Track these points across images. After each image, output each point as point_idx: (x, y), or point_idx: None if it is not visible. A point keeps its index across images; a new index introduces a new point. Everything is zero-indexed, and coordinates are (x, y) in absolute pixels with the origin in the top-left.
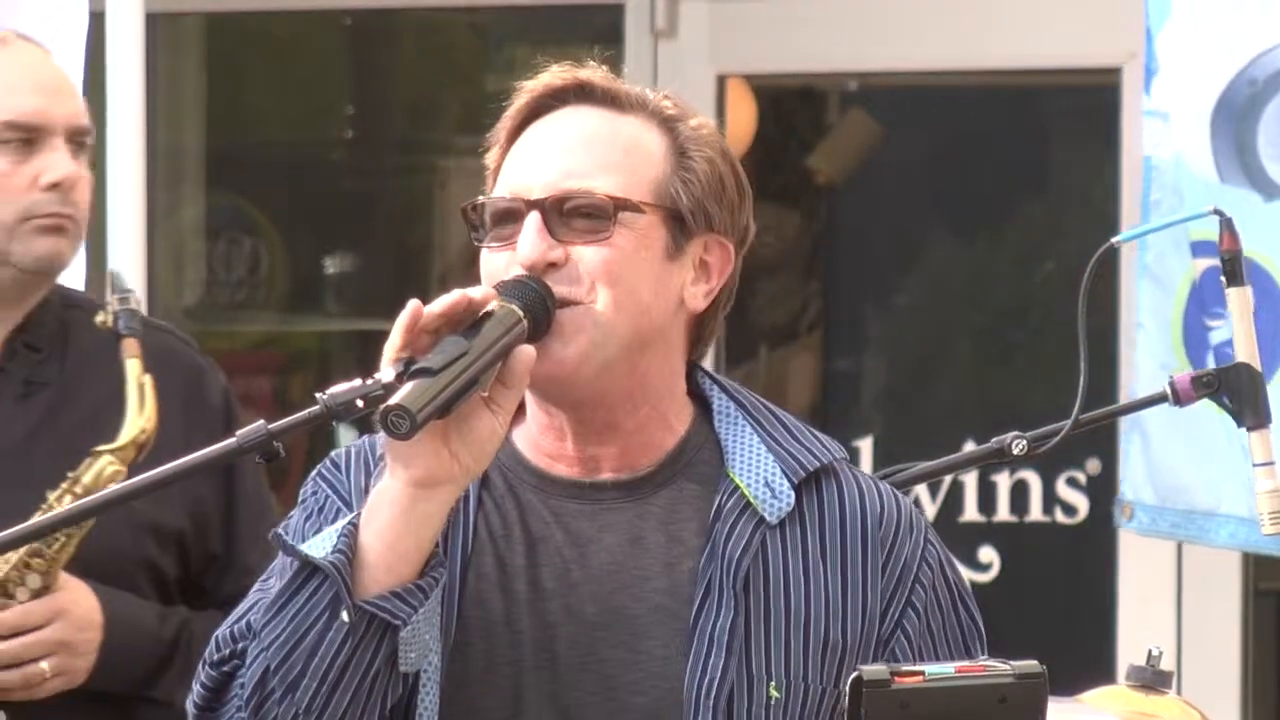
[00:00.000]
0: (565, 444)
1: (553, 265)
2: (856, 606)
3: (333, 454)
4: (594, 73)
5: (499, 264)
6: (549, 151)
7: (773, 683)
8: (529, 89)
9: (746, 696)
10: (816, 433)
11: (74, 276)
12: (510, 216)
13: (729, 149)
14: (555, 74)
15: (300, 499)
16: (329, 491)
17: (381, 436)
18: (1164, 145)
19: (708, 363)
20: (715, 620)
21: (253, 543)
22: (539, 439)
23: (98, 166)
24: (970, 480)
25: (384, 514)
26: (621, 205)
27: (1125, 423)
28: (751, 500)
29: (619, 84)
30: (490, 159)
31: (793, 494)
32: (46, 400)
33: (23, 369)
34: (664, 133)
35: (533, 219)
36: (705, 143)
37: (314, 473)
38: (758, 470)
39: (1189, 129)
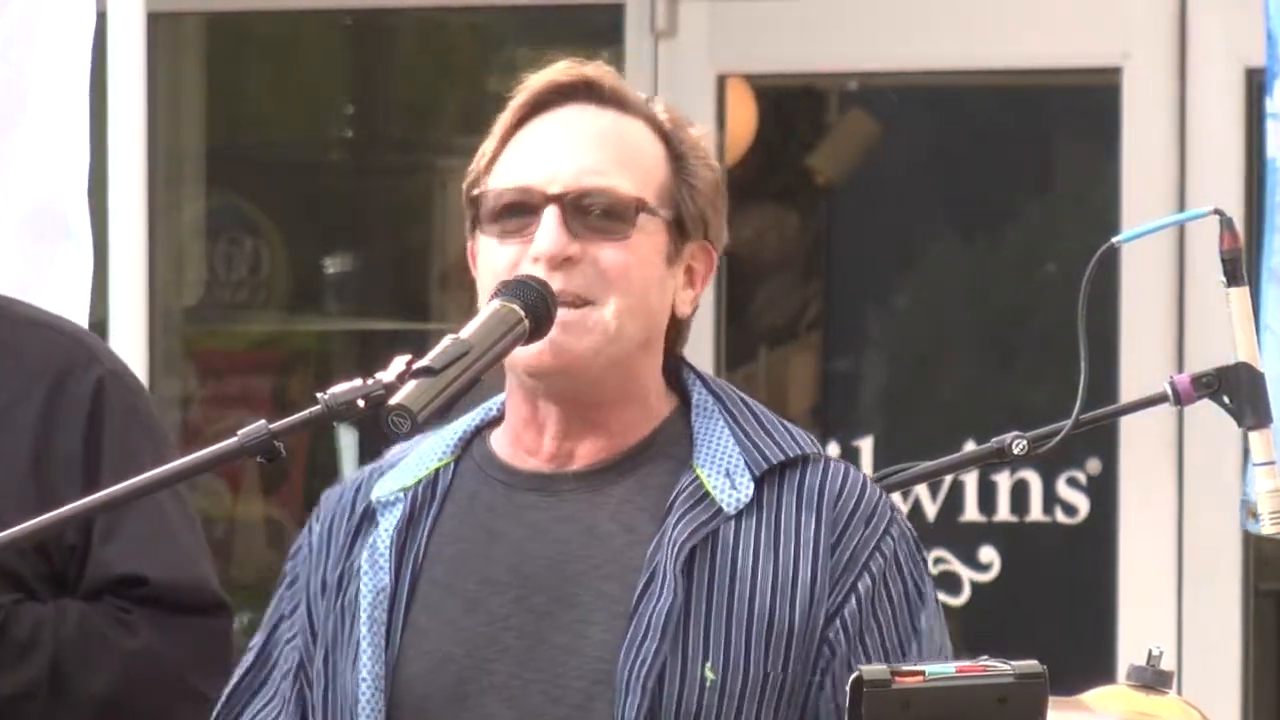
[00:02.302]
0: (543, 438)
1: (568, 261)
2: (803, 590)
3: (324, 495)
4: (602, 71)
5: (507, 257)
6: (562, 146)
7: (708, 664)
8: (535, 82)
9: (679, 678)
10: (791, 427)
11: (78, 277)
12: (520, 210)
13: (713, 155)
14: (562, 70)
15: (291, 551)
16: (298, 561)
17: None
18: None
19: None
20: (654, 604)
21: (107, 536)
22: (519, 433)
23: (99, 167)
24: (970, 480)
25: None
26: (641, 206)
27: None
28: (710, 490)
29: (625, 86)
30: (487, 147)
31: (752, 485)
32: None
33: None
34: (662, 140)
35: (552, 213)
36: (702, 153)
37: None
38: (721, 461)
39: None
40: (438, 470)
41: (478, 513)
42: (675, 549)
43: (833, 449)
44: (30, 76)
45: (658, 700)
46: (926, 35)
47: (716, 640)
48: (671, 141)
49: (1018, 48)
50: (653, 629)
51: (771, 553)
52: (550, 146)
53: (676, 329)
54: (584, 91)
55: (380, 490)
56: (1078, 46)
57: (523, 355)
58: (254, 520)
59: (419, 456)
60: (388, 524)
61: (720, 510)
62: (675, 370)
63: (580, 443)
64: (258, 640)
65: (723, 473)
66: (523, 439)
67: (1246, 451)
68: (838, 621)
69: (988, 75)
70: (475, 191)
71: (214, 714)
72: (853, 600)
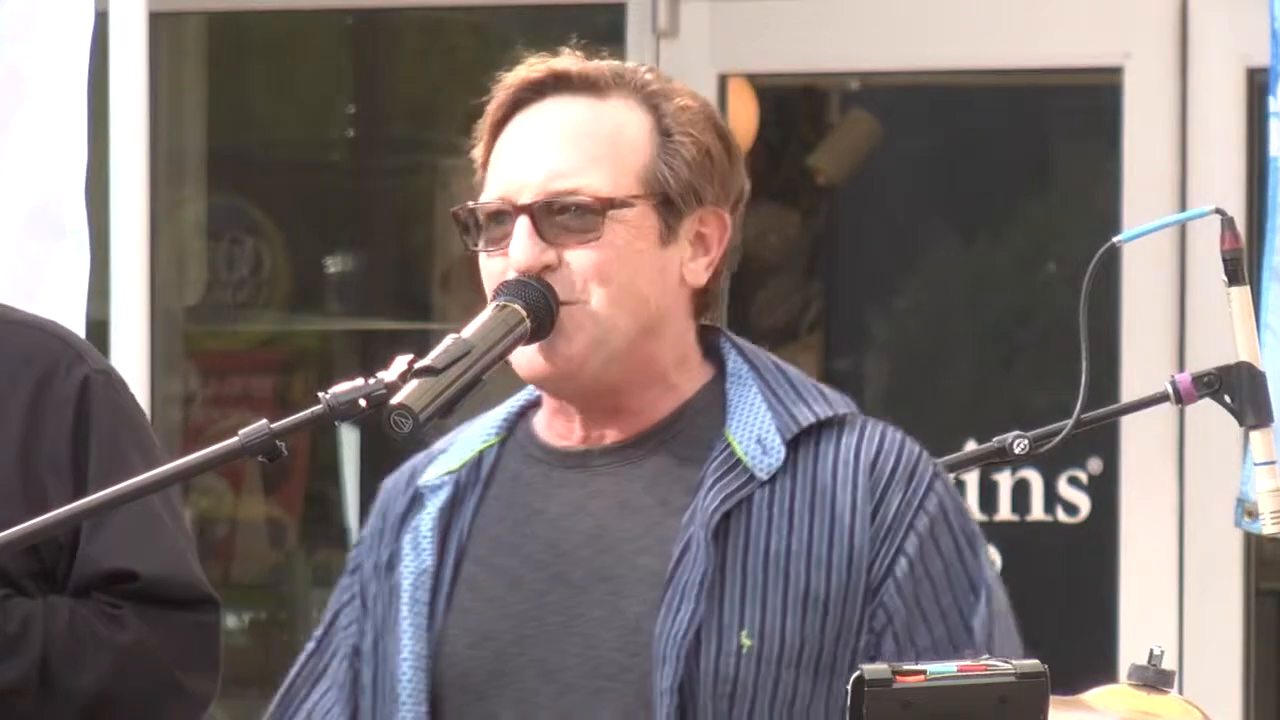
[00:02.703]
0: (573, 424)
1: (548, 268)
2: (841, 556)
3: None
4: (569, 61)
5: (496, 269)
6: (533, 150)
7: (744, 631)
8: (506, 84)
9: (714, 644)
10: (826, 390)
11: (75, 277)
12: (502, 219)
13: (715, 115)
14: (531, 66)
15: (355, 541)
16: (359, 549)
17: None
18: None
19: None
20: (688, 574)
21: (94, 532)
22: (550, 420)
23: (100, 166)
24: (972, 479)
25: None
26: (609, 204)
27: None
28: (742, 457)
29: (595, 67)
30: (476, 154)
31: (783, 449)
32: None
33: None
34: (647, 111)
35: (522, 224)
36: (689, 120)
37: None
38: (752, 428)
39: None
40: (482, 452)
41: (519, 492)
42: (707, 516)
43: None
44: (28, 74)
45: (694, 668)
46: (928, 35)
47: (752, 607)
48: (657, 114)
49: (1019, 47)
50: (687, 598)
51: (807, 516)
52: (522, 153)
53: (702, 298)
54: (554, 84)
55: (428, 476)
56: (1079, 46)
57: (521, 365)
58: (256, 520)
59: (466, 440)
60: (432, 507)
61: (753, 476)
62: (713, 340)
63: (608, 426)
64: (319, 630)
65: (754, 439)
66: (554, 424)
67: (1245, 450)
68: (890, 584)
69: (989, 75)
70: (468, 207)
71: (275, 703)
72: (902, 560)
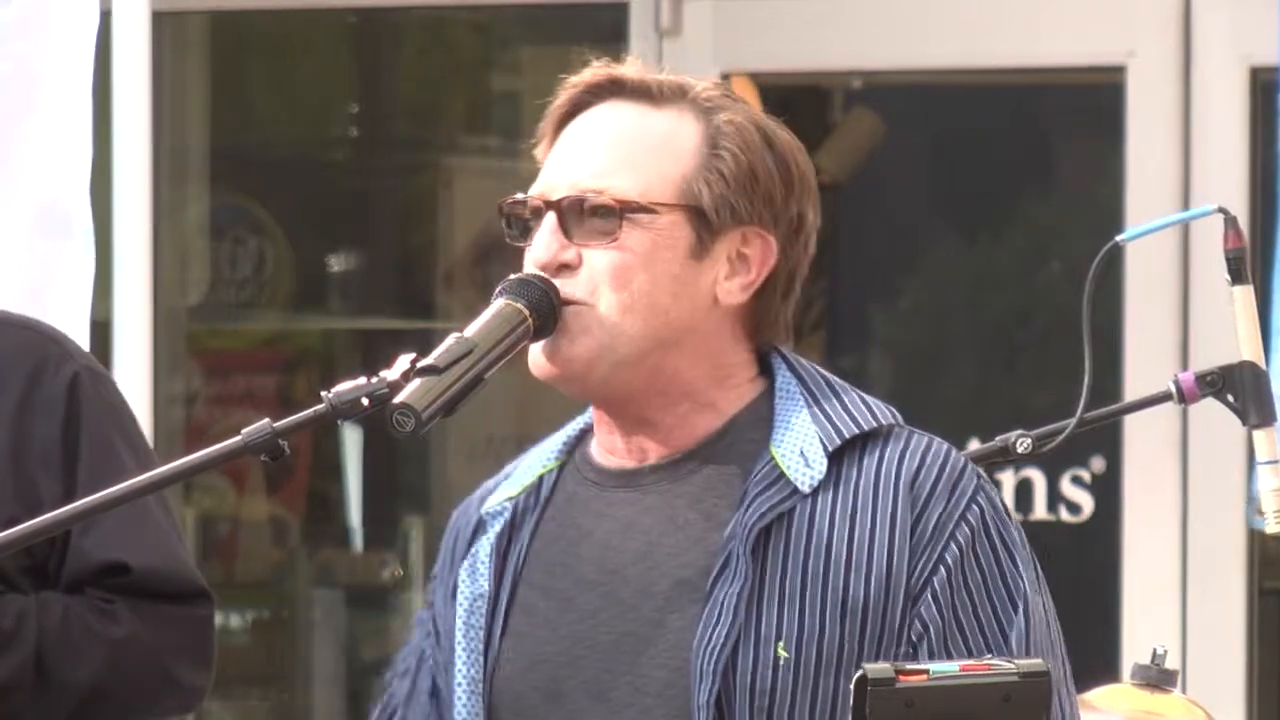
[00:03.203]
0: (615, 437)
1: (566, 266)
2: (881, 564)
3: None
4: (628, 67)
5: (526, 261)
6: (576, 151)
7: (781, 643)
8: (569, 85)
9: (751, 658)
10: (871, 401)
11: (81, 276)
12: (539, 214)
13: (774, 138)
14: (591, 70)
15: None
16: (434, 585)
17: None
18: None
19: None
20: (727, 588)
21: (86, 527)
22: (599, 437)
23: (103, 165)
24: None
25: None
26: (628, 207)
27: None
28: (785, 470)
29: (654, 76)
30: (538, 152)
31: (825, 461)
32: None
33: None
34: (701, 124)
35: (548, 220)
36: (736, 135)
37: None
38: (796, 441)
39: None
40: (541, 477)
41: (573, 513)
42: (746, 531)
43: None
44: (35, 74)
45: (731, 682)
46: (931, 34)
47: (790, 618)
48: (709, 125)
49: (1022, 46)
50: (725, 612)
51: (847, 528)
52: (567, 153)
53: (752, 314)
54: (611, 89)
55: (490, 503)
56: (1082, 45)
57: (534, 367)
58: (258, 519)
59: (527, 465)
60: (490, 534)
61: (795, 489)
62: (767, 356)
63: (647, 440)
64: (408, 666)
65: (797, 451)
66: (601, 436)
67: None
68: (928, 594)
69: (992, 74)
70: (509, 200)
71: None
72: (941, 571)
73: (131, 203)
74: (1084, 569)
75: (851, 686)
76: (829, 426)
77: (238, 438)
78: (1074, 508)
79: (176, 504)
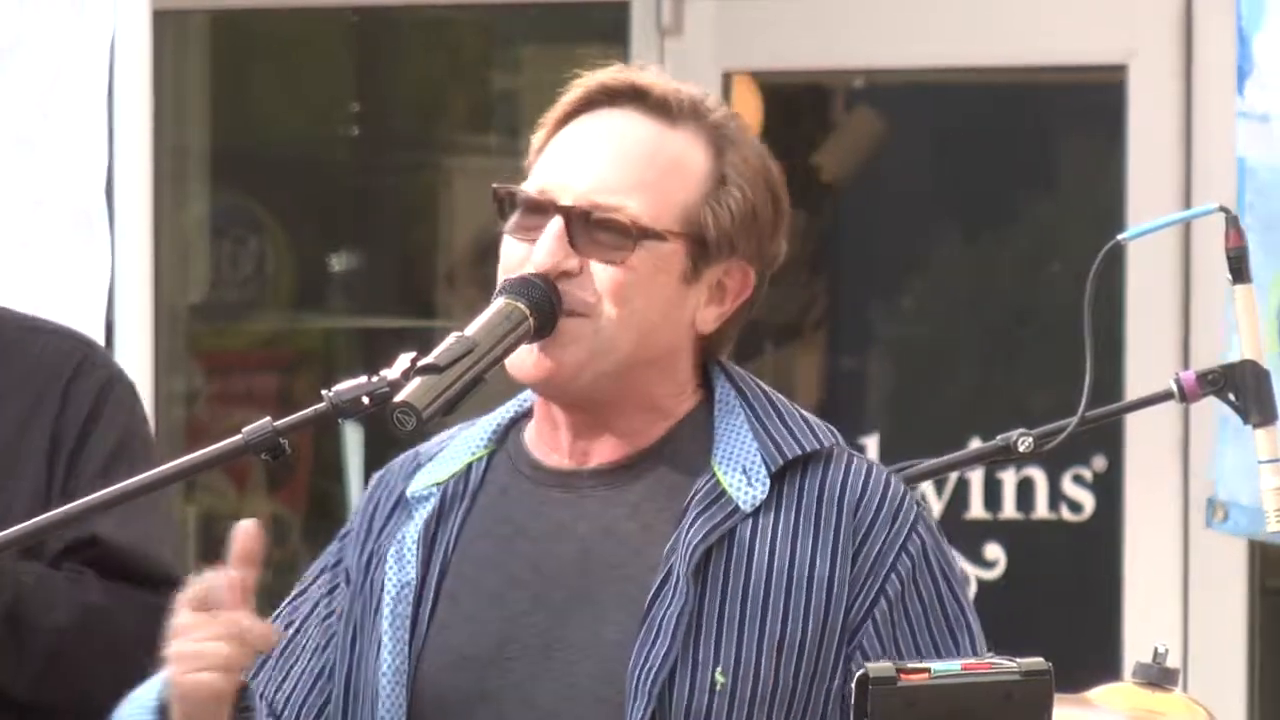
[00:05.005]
0: (559, 434)
1: (566, 274)
2: (821, 592)
3: (374, 476)
4: (652, 78)
5: (517, 255)
6: (588, 155)
7: (719, 668)
8: (584, 81)
9: (688, 682)
10: (812, 420)
11: (99, 276)
12: (539, 210)
13: (774, 177)
14: (613, 73)
15: (339, 533)
16: (345, 543)
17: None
18: (1263, 147)
19: None
20: (666, 607)
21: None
22: (541, 429)
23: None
24: (976, 477)
25: None
26: (645, 233)
27: (1220, 423)
28: (726, 488)
29: (675, 92)
30: (536, 140)
31: (768, 481)
32: None
33: None
34: (711, 153)
35: (555, 224)
36: (747, 175)
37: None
38: (738, 458)
39: None
40: (471, 464)
41: (505, 507)
42: (689, 550)
43: None
44: (53, 76)
45: (666, 704)
46: (932, 33)
47: (728, 644)
48: (720, 160)
49: (1023, 45)
50: (664, 632)
51: (788, 552)
52: (578, 153)
53: (706, 344)
54: (631, 97)
55: (415, 485)
56: (1084, 44)
57: (514, 364)
58: (259, 517)
59: (455, 450)
60: (418, 519)
61: (737, 509)
62: (704, 366)
63: (594, 442)
64: (282, 612)
65: (739, 470)
66: (544, 434)
67: (1218, 451)
68: (868, 625)
69: (993, 73)
70: (512, 189)
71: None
72: (882, 602)
73: (132, 201)
74: (1085, 568)
75: (853, 685)
76: (770, 445)
77: (239, 436)
78: (1075, 506)
79: (178, 503)
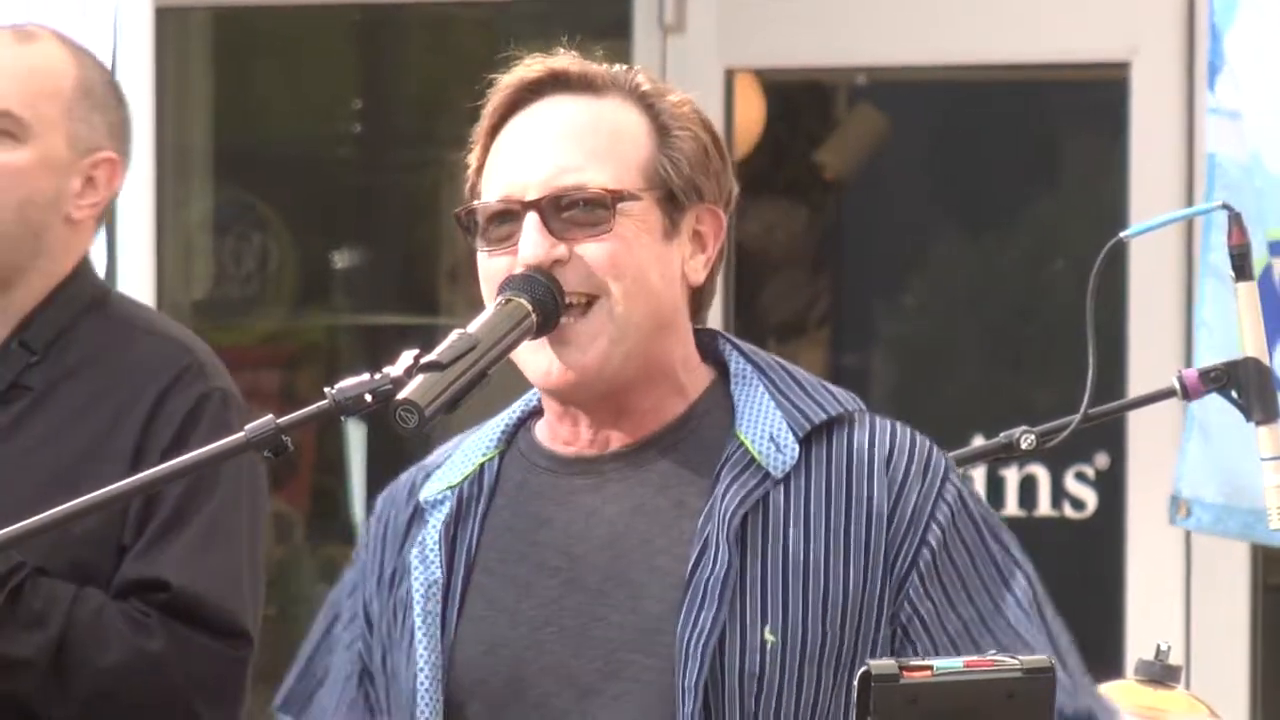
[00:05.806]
0: (579, 428)
1: (558, 263)
2: (860, 553)
3: (379, 496)
4: (566, 60)
5: (499, 268)
6: (536, 148)
7: (767, 627)
8: (504, 84)
9: (739, 641)
10: (831, 387)
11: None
12: (506, 218)
13: (706, 118)
14: (528, 67)
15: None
16: (356, 569)
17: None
18: (1233, 144)
19: None
20: (710, 572)
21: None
22: (555, 426)
23: None
24: (978, 475)
25: None
26: (618, 196)
27: (1184, 420)
28: (756, 456)
29: (592, 67)
30: (472, 158)
31: (797, 447)
32: (21, 407)
33: (12, 370)
34: (643, 111)
35: (531, 220)
36: (686, 118)
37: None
38: (763, 426)
39: (1268, 128)
40: (482, 465)
41: (526, 500)
42: (726, 518)
43: None
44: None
45: (719, 665)
46: (935, 30)
47: (774, 603)
48: (653, 112)
49: (1026, 43)
50: (710, 596)
51: (824, 513)
52: (524, 151)
53: (698, 297)
54: (552, 83)
55: (428, 491)
56: (1086, 42)
57: (537, 376)
58: None
59: (463, 454)
60: (436, 521)
61: (768, 475)
62: (710, 342)
63: (615, 428)
64: (306, 651)
65: (767, 437)
66: (559, 431)
67: (1184, 448)
68: (914, 576)
69: (996, 70)
70: (472, 207)
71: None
72: (926, 553)
73: (135, 198)
74: (1088, 565)
75: (855, 682)
76: (794, 412)
77: (241, 434)
78: (1078, 504)
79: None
